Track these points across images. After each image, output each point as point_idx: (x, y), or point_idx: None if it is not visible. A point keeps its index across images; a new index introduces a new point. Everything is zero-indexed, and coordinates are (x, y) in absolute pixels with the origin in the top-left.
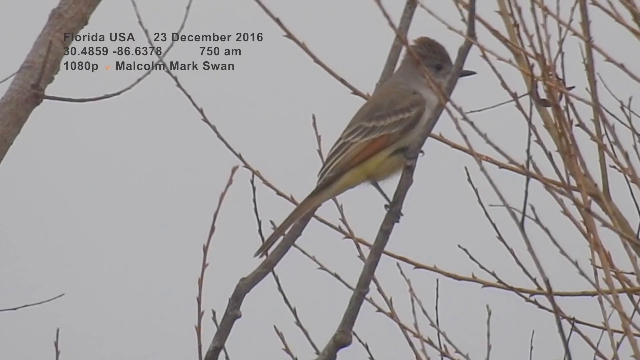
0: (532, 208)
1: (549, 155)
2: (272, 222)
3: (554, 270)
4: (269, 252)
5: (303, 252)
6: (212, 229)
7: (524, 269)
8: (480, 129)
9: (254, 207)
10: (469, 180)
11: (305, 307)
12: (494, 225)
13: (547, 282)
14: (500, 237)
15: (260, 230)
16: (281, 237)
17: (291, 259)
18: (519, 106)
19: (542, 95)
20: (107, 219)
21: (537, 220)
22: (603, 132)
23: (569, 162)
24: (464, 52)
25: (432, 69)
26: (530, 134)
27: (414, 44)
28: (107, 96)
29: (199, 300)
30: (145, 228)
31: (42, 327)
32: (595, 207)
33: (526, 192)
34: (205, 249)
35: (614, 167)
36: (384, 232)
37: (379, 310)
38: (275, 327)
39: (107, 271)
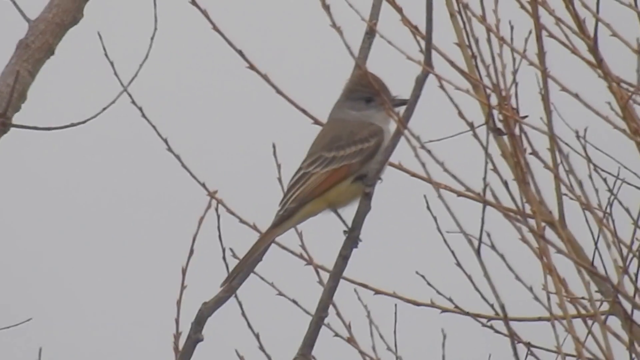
0: (488, 235)
1: (505, 184)
2: (231, 249)
3: (511, 295)
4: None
5: (262, 278)
6: (191, 251)
7: (481, 295)
8: (438, 157)
9: (218, 234)
10: (428, 207)
11: (266, 331)
12: (452, 252)
13: (502, 307)
14: (458, 264)
15: (224, 258)
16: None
17: (252, 283)
18: (475, 136)
19: (497, 124)
20: (73, 244)
21: (492, 247)
22: (559, 160)
23: (524, 190)
24: (421, 81)
25: (362, 102)
26: (487, 163)
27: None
28: (72, 125)
29: (177, 321)
30: (110, 253)
31: (14, 351)
32: (551, 234)
33: (482, 219)
34: (184, 271)
35: (566, 194)
36: (343, 258)
37: (336, 335)
38: (236, 350)
39: (75, 295)
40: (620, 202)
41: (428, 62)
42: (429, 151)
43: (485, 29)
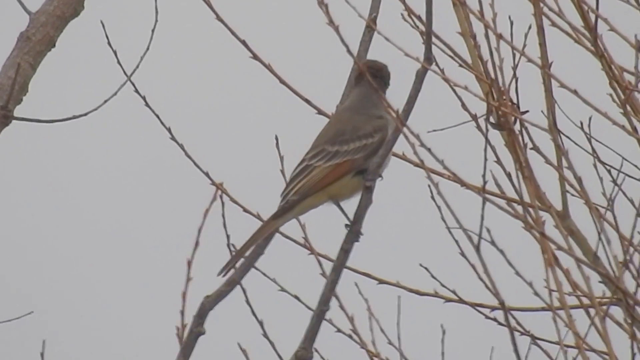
0: (488, 230)
1: (508, 175)
2: (233, 245)
3: (513, 289)
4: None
5: (264, 274)
6: (197, 243)
7: (485, 284)
8: (442, 148)
9: (222, 222)
10: (432, 197)
11: (268, 324)
12: (456, 241)
13: (502, 303)
14: (462, 254)
15: (228, 245)
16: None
17: (254, 277)
18: (478, 127)
19: (495, 119)
20: (76, 236)
21: (492, 243)
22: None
23: (526, 184)
24: (421, 75)
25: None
26: (486, 160)
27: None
28: (75, 117)
29: (182, 313)
30: (115, 245)
31: (16, 344)
32: (554, 228)
33: (482, 215)
34: (189, 263)
35: (568, 191)
36: (345, 251)
37: (339, 330)
38: (239, 344)
39: (80, 287)
40: (624, 193)
41: (428, 56)
42: (429, 149)
43: (484, 25)
